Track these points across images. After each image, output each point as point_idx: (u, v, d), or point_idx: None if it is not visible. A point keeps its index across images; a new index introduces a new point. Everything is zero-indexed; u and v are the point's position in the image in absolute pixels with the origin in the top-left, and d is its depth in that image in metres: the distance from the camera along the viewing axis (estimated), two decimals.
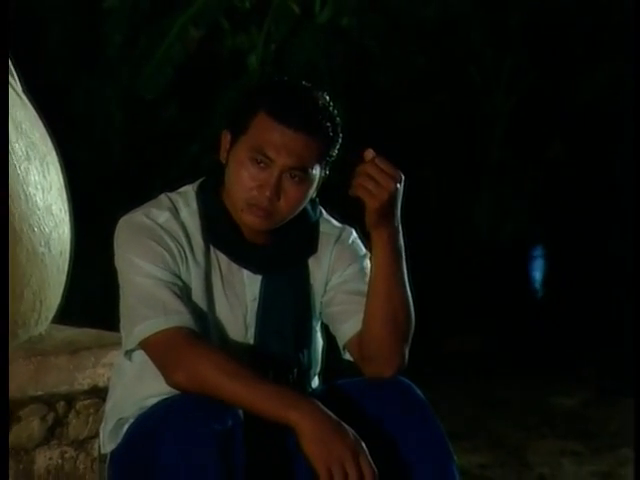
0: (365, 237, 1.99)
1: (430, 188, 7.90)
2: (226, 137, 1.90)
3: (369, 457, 1.66)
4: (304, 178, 1.85)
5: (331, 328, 1.99)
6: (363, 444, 1.67)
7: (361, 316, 1.90)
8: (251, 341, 1.91)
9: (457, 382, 5.57)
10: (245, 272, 1.91)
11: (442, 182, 7.93)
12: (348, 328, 1.93)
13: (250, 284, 1.91)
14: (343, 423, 1.68)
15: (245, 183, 1.84)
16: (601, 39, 7.74)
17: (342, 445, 1.64)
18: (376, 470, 1.65)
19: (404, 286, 1.88)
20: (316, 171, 1.87)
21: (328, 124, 1.84)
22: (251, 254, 1.91)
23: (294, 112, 1.81)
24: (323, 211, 2.02)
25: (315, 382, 2.02)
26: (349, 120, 2.54)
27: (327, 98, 1.88)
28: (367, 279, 1.93)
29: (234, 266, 1.91)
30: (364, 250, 2.00)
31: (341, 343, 1.97)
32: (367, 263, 1.97)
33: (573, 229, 8.08)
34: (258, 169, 1.83)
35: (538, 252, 8.60)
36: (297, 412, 1.67)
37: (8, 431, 2.07)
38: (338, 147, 1.90)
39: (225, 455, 1.67)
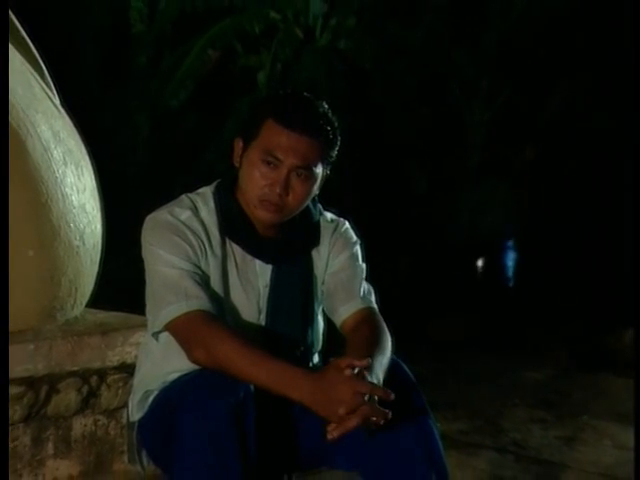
0: (357, 227, 2.03)
1: (419, 189, 7.91)
2: (239, 144, 1.89)
3: (371, 405, 1.62)
4: (309, 176, 1.84)
5: (330, 315, 2.00)
6: (357, 385, 1.62)
7: (349, 304, 1.94)
8: (263, 323, 1.91)
9: (440, 358, 5.56)
10: (257, 262, 1.91)
11: (430, 184, 7.94)
12: (340, 315, 1.96)
13: (262, 273, 1.91)
14: (335, 383, 1.63)
15: (258, 182, 1.83)
16: (566, 57, 7.76)
17: (343, 405, 1.60)
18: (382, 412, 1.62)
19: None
20: (319, 169, 1.87)
21: (328, 128, 1.84)
22: (263, 246, 1.90)
23: (298, 118, 1.81)
24: (321, 208, 2.03)
25: (316, 359, 2.02)
26: (347, 131, 2.52)
27: (326, 106, 1.88)
28: (358, 262, 1.99)
29: (248, 257, 1.90)
30: (355, 237, 2.02)
31: (337, 325, 1.99)
32: (357, 249, 2.01)
33: (544, 225, 8.09)
34: (269, 169, 1.83)
35: (512, 245, 8.61)
36: (297, 392, 1.66)
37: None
38: (337, 149, 1.90)
39: (237, 424, 1.65)
